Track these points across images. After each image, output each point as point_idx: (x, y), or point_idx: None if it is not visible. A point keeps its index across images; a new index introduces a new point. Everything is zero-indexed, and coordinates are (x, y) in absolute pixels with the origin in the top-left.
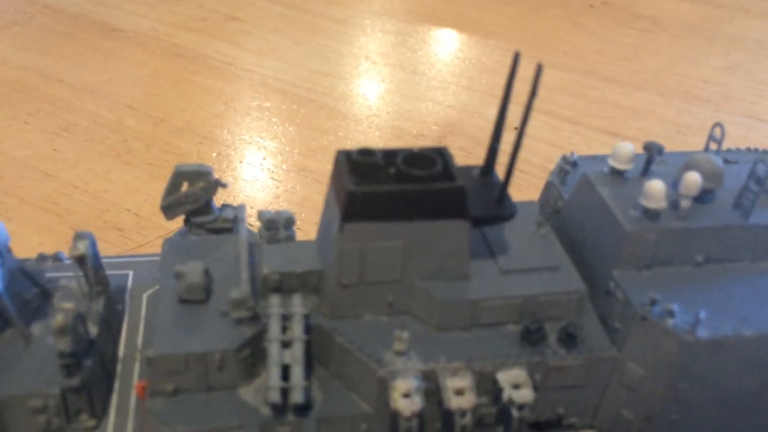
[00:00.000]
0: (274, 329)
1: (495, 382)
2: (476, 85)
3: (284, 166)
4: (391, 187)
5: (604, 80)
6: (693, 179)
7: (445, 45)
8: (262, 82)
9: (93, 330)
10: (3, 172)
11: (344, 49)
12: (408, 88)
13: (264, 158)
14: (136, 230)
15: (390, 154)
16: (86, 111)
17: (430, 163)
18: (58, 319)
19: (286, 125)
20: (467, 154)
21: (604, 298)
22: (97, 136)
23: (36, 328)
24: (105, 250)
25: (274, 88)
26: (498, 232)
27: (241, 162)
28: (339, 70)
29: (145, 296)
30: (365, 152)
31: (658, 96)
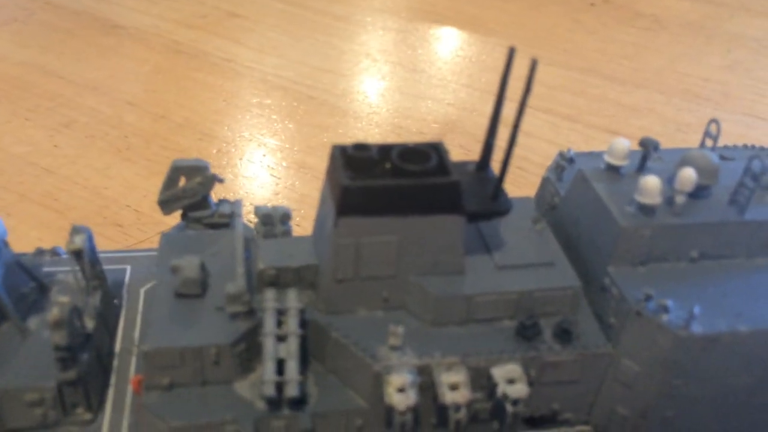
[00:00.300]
0: (269, 323)
1: (490, 378)
2: (476, 83)
3: (284, 163)
4: (386, 182)
5: (605, 78)
6: (688, 175)
7: (446, 43)
8: (263, 79)
9: (89, 324)
10: (3, 167)
11: (345, 47)
12: (408, 85)
13: (264, 155)
14: (136, 226)
15: (385, 149)
16: (86, 107)
17: (425, 158)
18: (53, 313)
19: (286, 122)
20: (467, 151)
21: (600, 294)
22: (97, 132)
23: (33, 322)
24: (104, 246)
25: (274, 85)
26: (494, 228)
27: (240, 159)
28: (340, 67)
29: (142, 291)
30: (360, 147)
31: (658, 94)
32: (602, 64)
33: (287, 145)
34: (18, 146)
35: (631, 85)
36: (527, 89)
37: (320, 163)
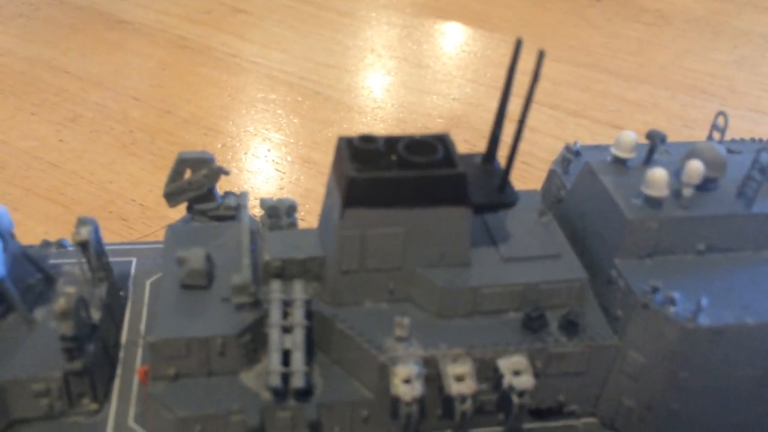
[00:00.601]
0: (275, 314)
1: (496, 369)
2: (481, 78)
3: (289, 158)
4: (393, 174)
5: (610, 74)
6: (695, 167)
7: (451, 38)
8: (268, 75)
9: (95, 315)
10: (8, 162)
11: (350, 42)
12: (413, 81)
13: (269, 150)
14: (141, 220)
15: (391, 141)
16: (92, 102)
17: (431, 150)
18: (60, 303)
19: (291, 117)
20: (472, 146)
21: (606, 286)
22: (102, 127)
23: (39, 314)
24: (110, 239)
25: (279, 80)
26: (500, 221)
27: (245, 153)
28: (344, 62)
29: (148, 283)
30: (366, 139)
31: (663, 90)
32: (607, 59)
33: (292, 140)
34: (24, 141)
35: (636, 80)
36: (534, 79)
37: (325, 158)
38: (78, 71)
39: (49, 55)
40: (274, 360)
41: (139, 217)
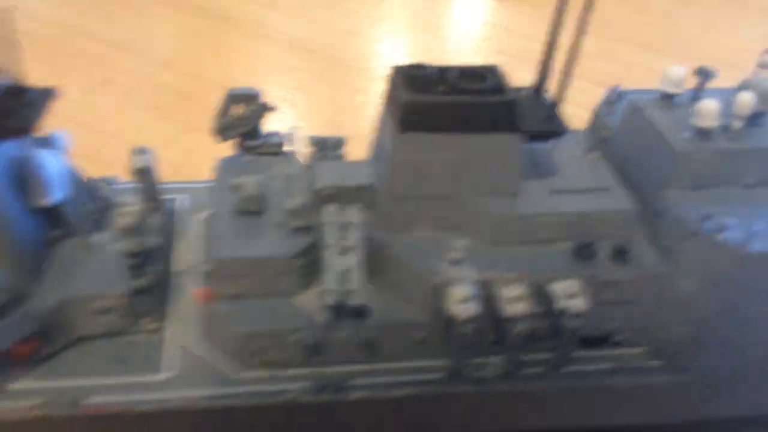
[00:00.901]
0: (331, 236)
1: (548, 295)
2: (507, 49)
3: (315, 121)
4: (447, 98)
5: (637, 46)
6: (746, 98)
7: (477, 10)
8: (294, 43)
9: (154, 240)
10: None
11: (375, 12)
12: (439, 51)
13: (296, 114)
14: (174, 179)
15: (443, 69)
16: (121, 67)
17: (482, 79)
18: (124, 219)
19: (318, 83)
20: None
21: (655, 219)
22: (133, 90)
23: (96, 239)
24: None
25: (305, 48)
26: (547, 157)
27: (272, 118)
28: (370, 32)
29: (195, 219)
30: (418, 66)
31: (691, 61)
32: (634, 32)
33: (319, 106)
34: (55, 102)
35: (663, 52)
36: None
37: (353, 122)
38: (106, 37)
39: (78, 22)
40: (330, 279)
41: (173, 174)
